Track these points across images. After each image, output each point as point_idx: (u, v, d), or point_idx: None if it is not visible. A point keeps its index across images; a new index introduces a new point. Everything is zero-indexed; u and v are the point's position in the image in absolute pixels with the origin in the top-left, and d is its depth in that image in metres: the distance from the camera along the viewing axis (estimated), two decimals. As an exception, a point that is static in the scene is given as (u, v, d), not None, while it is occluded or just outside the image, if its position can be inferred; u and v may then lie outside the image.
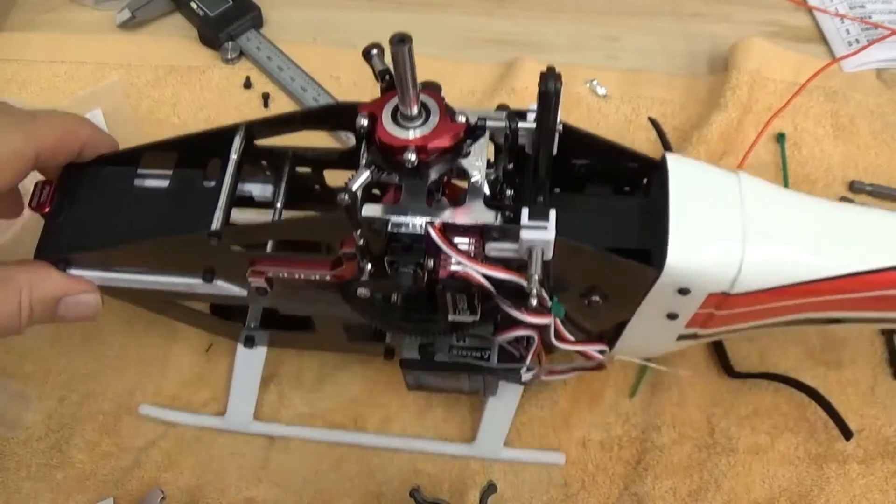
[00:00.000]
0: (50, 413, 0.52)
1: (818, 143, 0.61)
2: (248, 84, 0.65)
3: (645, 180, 0.39)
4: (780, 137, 0.61)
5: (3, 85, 0.65)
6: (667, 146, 0.58)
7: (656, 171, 0.37)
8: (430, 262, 0.34)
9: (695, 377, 0.51)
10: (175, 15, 0.69)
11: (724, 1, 0.70)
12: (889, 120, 0.62)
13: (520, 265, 0.34)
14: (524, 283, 0.33)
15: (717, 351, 0.52)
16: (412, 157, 0.32)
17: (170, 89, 0.64)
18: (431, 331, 0.40)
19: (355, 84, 0.64)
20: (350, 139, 0.60)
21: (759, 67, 0.62)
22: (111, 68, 0.65)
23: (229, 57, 0.65)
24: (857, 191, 0.59)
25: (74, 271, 0.39)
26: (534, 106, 0.35)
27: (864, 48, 0.64)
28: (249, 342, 0.50)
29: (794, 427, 0.51)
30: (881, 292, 0.38)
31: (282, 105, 0.64)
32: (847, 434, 0.48)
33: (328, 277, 0.38)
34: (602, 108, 0.63)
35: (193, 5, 0.67)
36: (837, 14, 0.67)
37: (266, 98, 0.64)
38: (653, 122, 0.62)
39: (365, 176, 0.32)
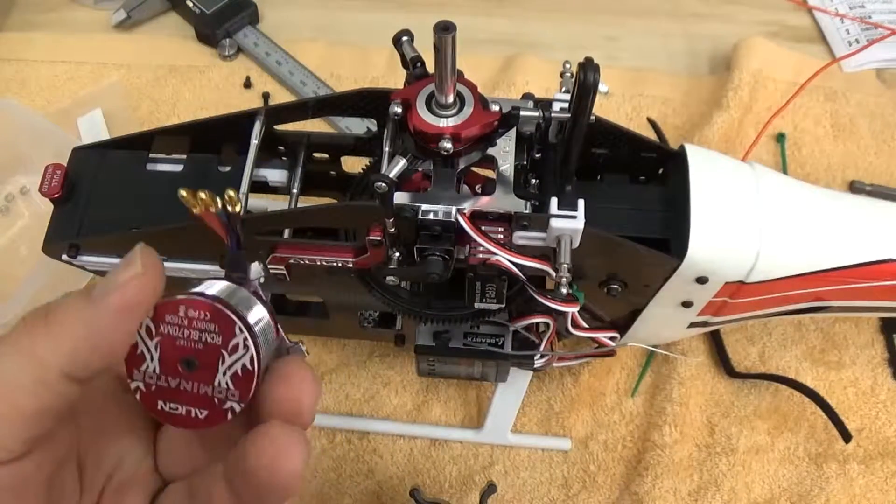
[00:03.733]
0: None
1: (818, 143, 0.61)
2: (247, 84, 0.65)
3: (661, 170, 0.39)
4: (780, 137, 0.61)
5: (3, 85, 0.65)
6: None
7: (674, 162, 0.38)
8: (461, 250, 0.34)
9: (696, 377, 0.51)
10: (171, 14, 0.69)
11: (724, 1, 0.70)
12: (889, 120, 0.62)
13: (541, 253, 0.35)
14: (551, 271, 0.33)
15: (718, 351, 0.52)
16: (448, 145, 0.31)
17: (170, 89, 0.64)
18: (454, 318, 0.41)
19: (356, 81, 0.64)
20: (351, 131, 0.60)
21: (761, 67, 0.62)
22: (111, 68, 0.65)
23: (227, 54, 0.66)
24: (857, 191, 0.59)
25: (84, 257, 0.38)
26: (559, 96, 0.35)
27: (864, 48, 0.64)
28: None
29: (794, 427, 0.51)
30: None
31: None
32: (846, 437, 0.48)
33: (350, 264, 0.38)
34: (603, 105, 0.63)
35: (189, 3, 0.67)
36: (837, 14, 0.67)
37: (266, 97, 0.64)
38: (651, 122, 0.62)
39: (402, 164, 0.32)
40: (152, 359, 0.26)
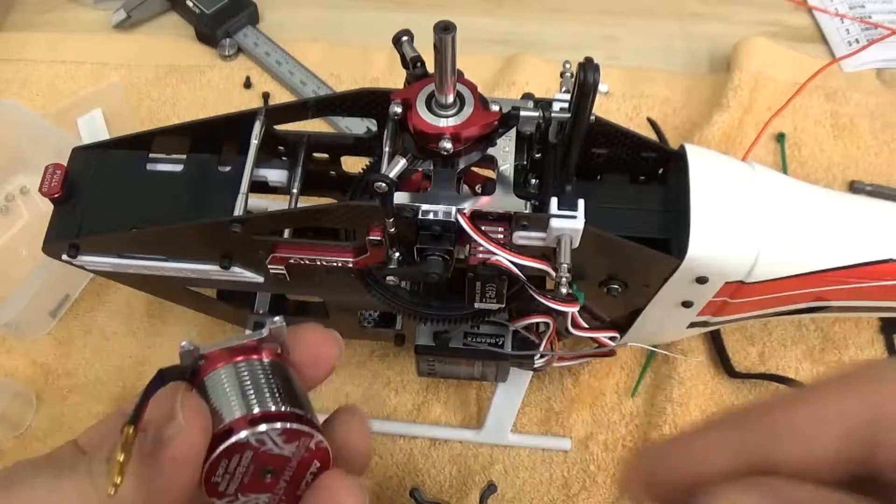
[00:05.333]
0: (52, 414, 0.52)
1: (818, 143, 0.61)
2: (248, 84, 0.65)
3: (661, 170, 0.39)
4: (780, 137, 0.61)
5: (3, 85, 0.65)
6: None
7: (674, 162, 0.38)
8: (461, 250, 0.34)
9: (696, 377, 0.51)
10: (171, 14, 0.69)
11: (724, 1, 0.70)
12: (889, 120, 0.62)
13: (541, 253, 0.35)
14: (551, 271, 0.34)
15: (718, 351, 0.52)
16: (448, 144, 0.31)
17: (170, 89, 0.64)
18: (454, 318, 0.41)
19: (356, 81, 0.64)
20: (351, 131, 0.60)
21: (761, 67, 0.62)
22: (111, 68, 0.65)
23: (227, 54, 0.66)
24: (857, 191, 0.59)
25: (84, 257, 0.38)
26: (559, 96, 0.35)
27: (864, 48, 0.64)
28: (258, 329, 0.50)
29: (794, 427, 0.51)
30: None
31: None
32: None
33: (350, 264, 0.38)
34: (603, 105, 0.63)
35: (189, 3, 0.67)
36: (837, 14, 0.67)
37: (266, 97, 0.64)
38: (651, 122, 0.62)
39: (402, 164, 0.32)
40: (269, 501, 0.27)
